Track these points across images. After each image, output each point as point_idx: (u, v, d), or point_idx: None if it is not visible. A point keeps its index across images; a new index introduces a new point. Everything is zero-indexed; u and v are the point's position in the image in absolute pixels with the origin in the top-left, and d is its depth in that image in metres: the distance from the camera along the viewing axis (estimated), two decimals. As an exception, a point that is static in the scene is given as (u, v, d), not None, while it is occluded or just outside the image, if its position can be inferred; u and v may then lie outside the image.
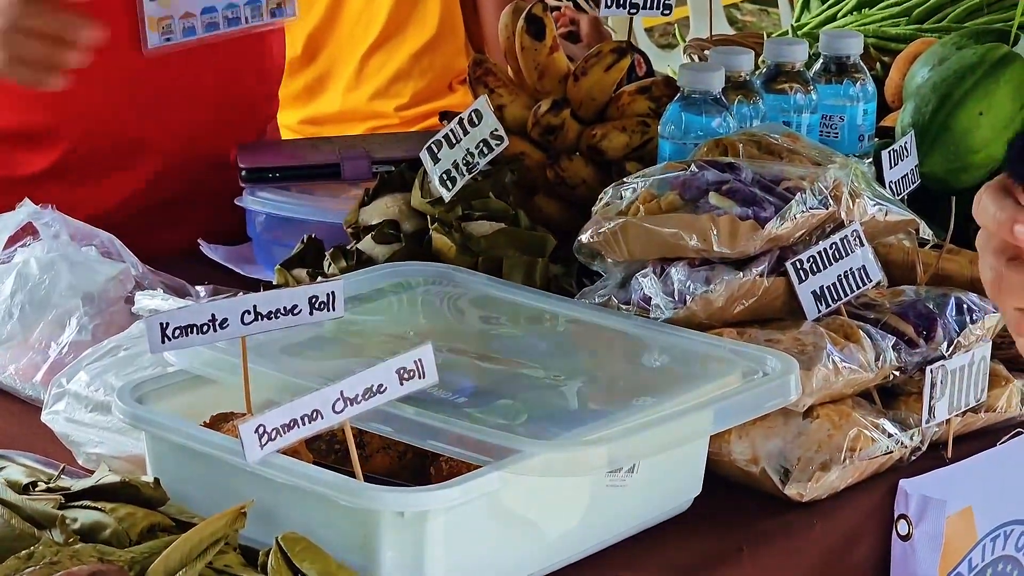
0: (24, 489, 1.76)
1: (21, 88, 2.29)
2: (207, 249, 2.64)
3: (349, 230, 2.47)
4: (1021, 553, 2.21)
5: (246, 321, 1.78)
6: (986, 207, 1.56)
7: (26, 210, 2.32)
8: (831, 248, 2.10)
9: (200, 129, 2.66)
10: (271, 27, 2.71)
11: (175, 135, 2.52)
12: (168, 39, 2.52)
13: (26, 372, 2.18)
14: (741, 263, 2.10)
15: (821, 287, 2.09)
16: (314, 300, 1.83)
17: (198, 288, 2.36)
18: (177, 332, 1.78)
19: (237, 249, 2.64)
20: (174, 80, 2.59)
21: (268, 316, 1.79)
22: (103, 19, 2.42)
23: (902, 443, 2.07)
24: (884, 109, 2.87)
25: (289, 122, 4.48)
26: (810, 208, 2.11)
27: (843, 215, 2.15)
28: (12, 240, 2.31)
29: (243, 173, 2.64)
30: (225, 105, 2.73)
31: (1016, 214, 1.48)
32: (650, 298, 2.09)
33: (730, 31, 6.74)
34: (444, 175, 2.35)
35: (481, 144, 2.35)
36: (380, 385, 1.72)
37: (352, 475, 1.72)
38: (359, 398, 1.71)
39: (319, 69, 4.45)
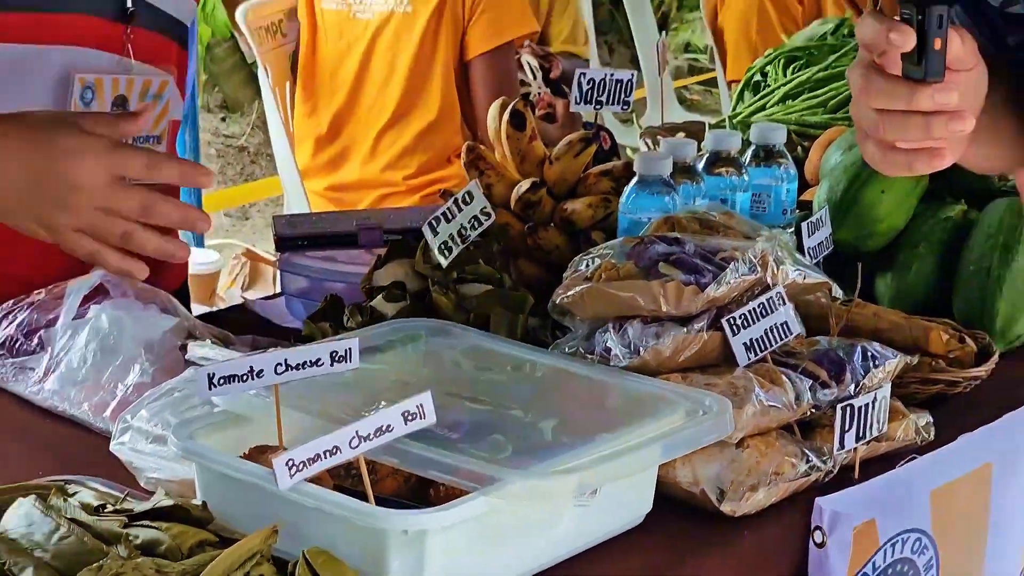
0: (95, 510, 1.76)
1: None
2: (251, 304, 2.65)
3: (364, 290, 2.47)
4: (915, 555, 2.21)
5: (278, 371, 1.78)
6: (868, 23, 1.62)
7: (98, 274, 2.32)
8: (759, 307, 2.12)
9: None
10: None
11: None
12: None
13: (98, 408, 2.18)
14: (685, 320, 2.11)
15: (751, 339, 2.10)
16: (334, 354, 1.83)
17: (241, 339, 2.36)
18: (222, 380, 1.78)
19: (274, 303, 2.66)
20: None
21: (296, 367, 1.79)
22: None
23: (818, 467, 2.08)
24: (804, 186, 2.87)
25: (316, 189, 4.49)
26: (742, 275, 2.13)
27: (769, 280, 2.16)
28: (87, 299, 2.30)
29: (278, 241, 2.65)
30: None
31: (891, 26, 1.59)
32: (610, 349, 2.10)
33: (680, 109, 6.76)
34: (442, 245, 2.36)
35: (473, 219, 2.36)
36: (388, 425, 1.72)
37: (365, 498, 1.73)
38: (371, 436, 1.71)
39: (341, 145, 4.46)
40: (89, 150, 2.13)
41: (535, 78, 4.73)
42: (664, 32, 6.99)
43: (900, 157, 1.68)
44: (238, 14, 4.96)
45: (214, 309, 2.79)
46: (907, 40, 1.59)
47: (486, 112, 3.88)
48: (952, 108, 1.63)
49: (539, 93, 4.67)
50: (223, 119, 7.56)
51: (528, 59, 4.72)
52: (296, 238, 2.63)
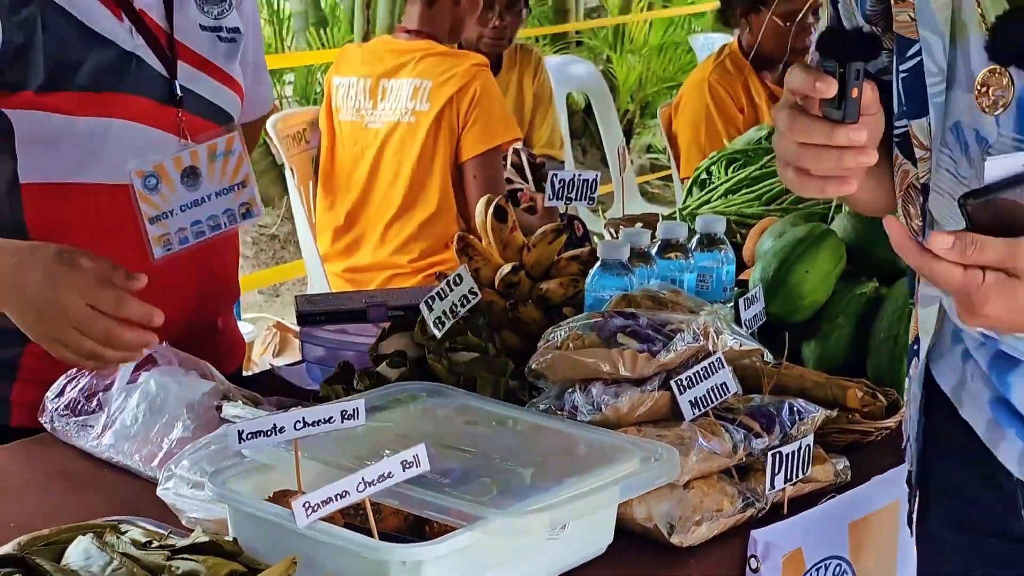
0: (143, 546, 1.77)
1: None
2: (277, 370, 2.65)
3: (371, 357, 2.47)
4: None
5: (297, 428, 1.79)
6: (797, 73, 1.64)
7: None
8: (702, 370, 2.11)
9: (193, 303, 2.59)
10: (233, 231, 2.64)
11: (178, 312, 2.42)
12: (168, 249, 2.44)
13: (147, 459, 2.18)
14: (639, 382, 2.12)
15: (695, 397, 2.10)
16: (344, 412, 1.84)
17: (268, 399, 2.35)
18: (249, 436, 1.79)
19: (296, 369, 2.66)
20: (174, 276, 2.50)
21: (312, 424, 1.80)
22: (117, 239, 2.44)
23: (752, 505, 2.08)
24: (742, 267, 2.87)
25: (335, 271, 4.50)
26: (687, 343, 2.13)
27: (710, 347, 2.16)
28: (138, 367, 2.30)
29: (300, 317, 2.66)
30: (207, 288, 2.65)
31: (817, 77, 1.61)
32: (577, 407, 2.11)
33: (642, 200, 6.76)
34: (437, 320, 2.36)
35: (462, 298, 2.37)
36: (389, 472, 1.74)
37: (371, 534, 1.73)
38: (375, 481, 1.73)
39: (355, 234, 4.46)
40: (72, 286, 2.12)
41: (522, 177, 4.75)
42: (624, 139, 6.99)
43: (815, 183, 1.69)
44: (269, 123, 4.98)
45: (248, 374, 2.77)
46: (830, 89, 1.61)
47: (482, 210, 3.93)
48: (861, 145, 1.65)
49: (523, 189, 4.69)
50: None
51: (517, 160, 4.74)
52: (314, 314, 2.64)
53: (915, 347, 1.97)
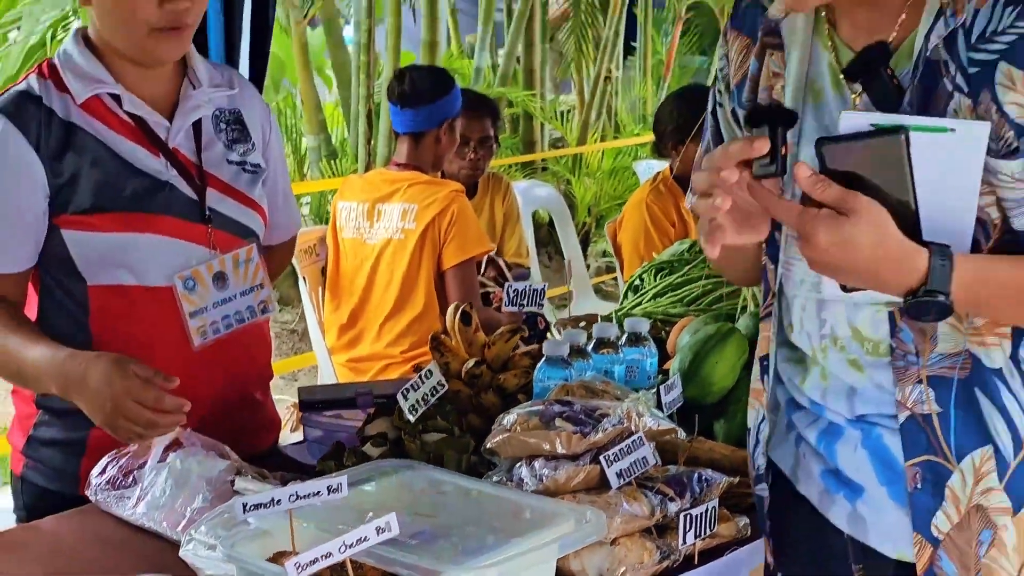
0: (165, 599, 1.79)
1: None
2: (284, 449, 2.65)
3: (359, 438, 2.48)
4: None
5: (291, 500, 1.79)
6: (733, 143, 1.63)
7: (175, 432, 2.33)
8: (626, 447, 2.10)
9: (228, 382, 2.58)
10: (262, 321, 2.65)
11: (217, 390, 2.46)
12: (205, 339, 2.48)
13: (173, 525, 2.18)
14: (574, 458, 2.11)
15: (620, 469, 2.08)
16: (329, 487, 1.83)
17: (274, 474, 2.34)
18: (252, 507, 1.80)
19: (300, 447, 2.65)
20: (211, 360, 2.50)
21: (304, 496, 1.81)
22: (164, 330, 2.47)
23: (669, 557, 2.08)
24: (665, 358, 2.89)
25: (340, 361, 4.50)
26: (613, 425, 2.13)
27: (633, 428, 2.16)
28: (167, 448, 2.31)
29: (301, 405, 2.67)
30: (240, 371, 2.63)
31: (753, 139, 1.59)
32: (523, 479, 2.11)
33: (596, 298, 6.76)
34: (411, 407, 2.36)
35: (432, 389, 2.37)
36: (366, 536, 1.73)
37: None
38: (354, 544, 1.72)
39: (356, 331, 4.45)
40: (124, 388, 2.15)
41: (494, 282, 4.77)
42: (580, 249, 7.00)
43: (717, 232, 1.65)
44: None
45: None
46: (765, 145, 1.58)
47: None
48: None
49: (494, 292, 4.70)
50: (280, 310, 7.58)
51: (491, 268, 4.76)
52: (314, 403, 2.65)
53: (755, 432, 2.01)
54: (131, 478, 2.31)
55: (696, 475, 2.18)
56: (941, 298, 1.54)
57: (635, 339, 2.66)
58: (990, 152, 1.56)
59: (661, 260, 3.54)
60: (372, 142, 7.27)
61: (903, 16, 1.66)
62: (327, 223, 4.74)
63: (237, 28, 4.03)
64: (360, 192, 4.48)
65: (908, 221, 1.56)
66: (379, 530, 1.77)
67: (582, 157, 9.82)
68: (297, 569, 1.69)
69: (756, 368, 2.01)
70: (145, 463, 2.31)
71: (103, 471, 2.34)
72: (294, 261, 4.95)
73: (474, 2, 9.45)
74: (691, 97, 5.14)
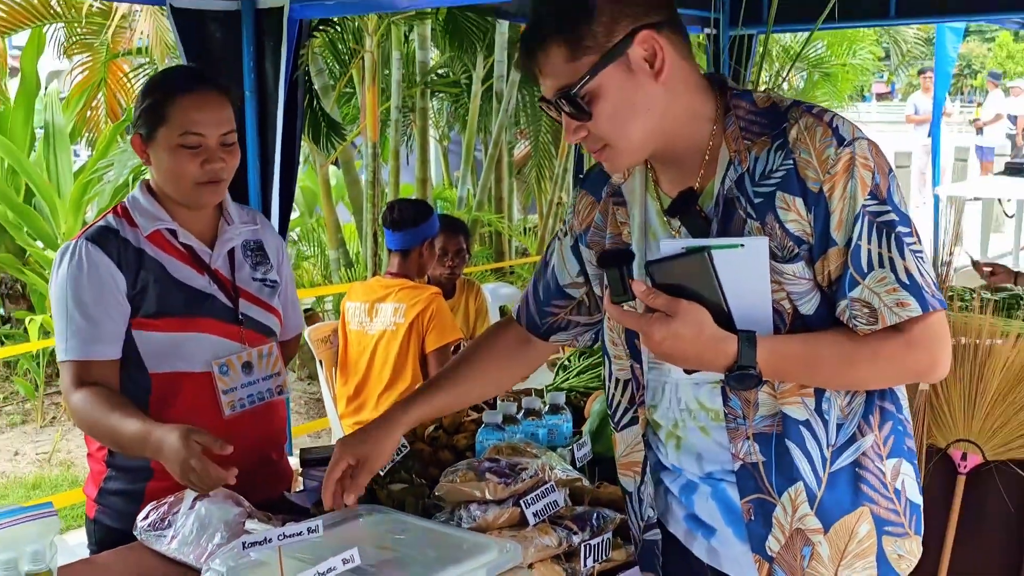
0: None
1: None
2: (289, 496, 2.63)
3: None
4: None
5: (280, 539, 1.81)
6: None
7: None
8: (540, 493, 2.11)
9: (250, 444, 2.54)
10: (278, 400, 2.66)
11: (244, 450, 2.40)
12: (234, 411, 2.50)
13: (198, 557, 2.17)
14: (500, 502, 2.10)
15: (536, 511, 2.08)
16: (309, 528, 1.85)
17: (275, 517, 2.33)
18: (251, 544, 1.82)
19: (301, 495, 2.61)
20: (238, 427, 2.49)
21: (289, 536, 1.82)
22: (204, 403, 2.49)
23: (576, 574, 2.08)
24: (582, 421, 2.89)
25: (347, 425, 4.47)
26: (530, 476, 2.13)
27: (546, 478, 2.16)
28: (196, 499, 2.29)
29: (302, 462, 2.66)
30: (260, 436, 2.63)
31: (647, 289, 1.62)
32: (462, 518, 2.10)
33: (548, 371, 6.71)
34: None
35: (398, 450, 2.37)
36: (334, 567, 1.76)
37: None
38: (325, 573, 1.75)
39: (360, 401, 4.45)
40: (190, 453, 2.16)
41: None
42: None
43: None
44: (306, 332, 5.03)
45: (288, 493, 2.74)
46: (637, 290, 1.64)
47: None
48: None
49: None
50: (309, 383, 7.57)
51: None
52: (311, 460, 2.62)
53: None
54: (167, 521, 2.30)
55: (595, 513, 2.17)
56: (751, 371, 1.60)
57: (555, 408, 2.66)
58: (776, 259, 1.62)
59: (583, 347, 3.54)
60: (378, 255, 7.32)
61: (702, 170, 1.71)
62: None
63: (270, 175, 4.11)
64: (362, 295, 4.51)
65: (723, 316, 1.62)
66: (344, 561, 1.79)
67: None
68: (281, 593, 1.71)
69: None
70: (178, 510, 2.30)
71: (146, 516, 2.33)
72: (311, 346, 4.98)
73: (459, 146, 9.55)
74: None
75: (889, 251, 1.58)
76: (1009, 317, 4.62)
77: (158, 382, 2.47)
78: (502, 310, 7.15)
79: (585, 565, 2.09)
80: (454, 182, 10.39)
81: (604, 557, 2.12)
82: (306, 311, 7.78)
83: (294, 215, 8.85)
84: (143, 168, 2.45)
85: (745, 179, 1.65)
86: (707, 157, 1.70)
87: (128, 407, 2.36)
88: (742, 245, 1.58)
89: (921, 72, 14.58)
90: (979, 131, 15.22)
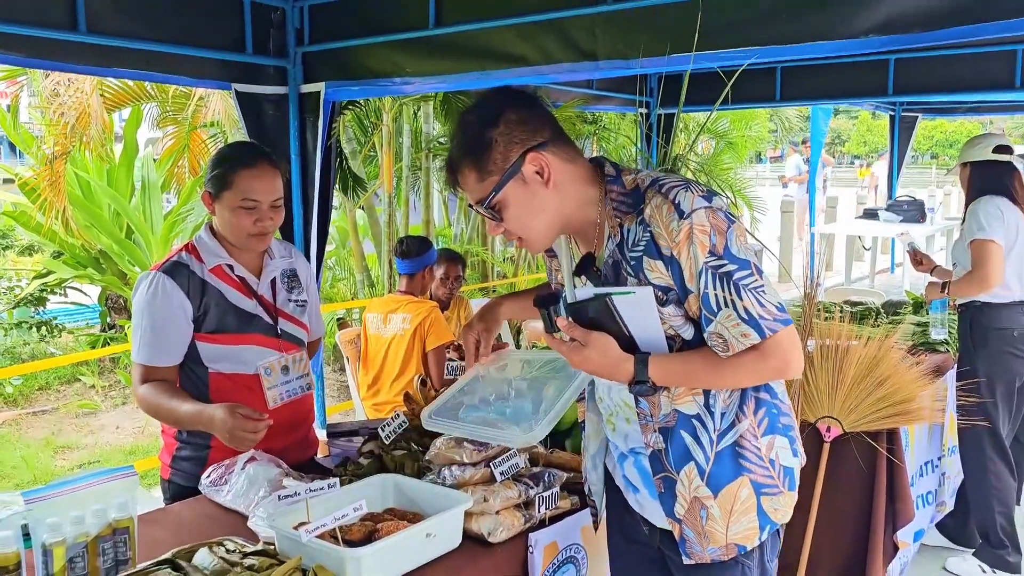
0: (229, 551, 1.77)
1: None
2: (318, 459, 2.61)
3: (359, 453, 2.45)
4: (576, 554, 2.16)
5: (307, 493, 1.81)
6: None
7: (251, 452, 2.31)
8: (505, 458, 2.09)
9: (287, 425, 2.50)
10: (308, 393, 2.61)
11: (284, 429, 2.39)
12: (276, 403, 2.45)
13: (247, 507, 2.15)
14: (475, 465, 2.08)
15: (502, 471, 2.07)
16: (328, 484, 1.86)
17: (309, 475, 2.30)
18: (285, 497, 1.81)
19: (327, 459, 2.60)
20: (279, 414, 2.44)
21: (315, 491, 1.82)
22: (252, 397, 2.44)
23: (531, 520, 2.06)
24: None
25: (367, 405, 4.44)
26: (497, 444, 2.09)
27: (514, 448, 2.14)
28: (247, 461, 2.28)
29: (327, 433, 2.65)
30: (295, 420, 2.57)
31: (566, 324, 1.64)
32: (446, 478, 2.08)
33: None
34: (387, 436, 2.36)
35: (399, 424, 2.37)
36: (345, 514, 1.74)
37: (338, 542, 1.74)
38: (340, 517, 1.74)
39: (377, 387, 4.41)
40: (235, 422, 2.15)
41: (458, 356, 4.75)
42: (512, 342, 6.93)
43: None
44: (338, 336, 5.01)
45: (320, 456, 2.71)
46: (560, 324, 1.66)
47: (435, 375, 3.95)
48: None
49: (457, 362, 4.68)
50: (339, 374, 7.49)
51: (456, 351, 4.74)
52: (336, 432, 2.62)
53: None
54: (224, 479, 2.28)
55: (547, 473, 2.17)
56: (646, 383, 1.63)
57: (519, 393, 2.62)
58: (658, 302, 1.62)
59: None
60: (392, 277, 7.30)
61: (596, 239, 1.72)
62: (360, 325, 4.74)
63: (310, 219, 4.10)
64: (379, 307, 4.48)
65: (629, 343, 1.65)
66: (355, 508, 1.78)
67: (515, 284, 9.85)
68: (308, 532, 1.70)
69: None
70: (233, 471, 2.29)
71: (209, 475, 2.32)
72: (341, 347, 4.96)
73: (455, 197, 9.54)
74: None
75: (730, 295, 1.57)
76: (862, 324, 4.65)
77: (215, 380, 2.45)
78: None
79: (539, 511, 2.08)
80: (452, 223, 10.37)
81: (553, 505, 2.11)
82: (339, 319, 7.74)
83: (330, 247, 8.81)
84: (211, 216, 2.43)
85: (623, 246, 1.65)
86: (598, 231, 1.71)
87: (183, 394, 2.34)
88: (633, 292, 1.60)
89: (803, 142, 14.49)
90: (784, 185, 14.65)
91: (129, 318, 8.11)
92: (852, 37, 2.42)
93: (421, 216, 8.27)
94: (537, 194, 1.63)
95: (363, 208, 8.56)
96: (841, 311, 5.16)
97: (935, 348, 4.35)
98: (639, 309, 1.60)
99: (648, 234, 1.61)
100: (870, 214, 11.72)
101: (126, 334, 7.38)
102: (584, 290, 1.65)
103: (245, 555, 1.73)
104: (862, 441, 3.57)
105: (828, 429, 3.49)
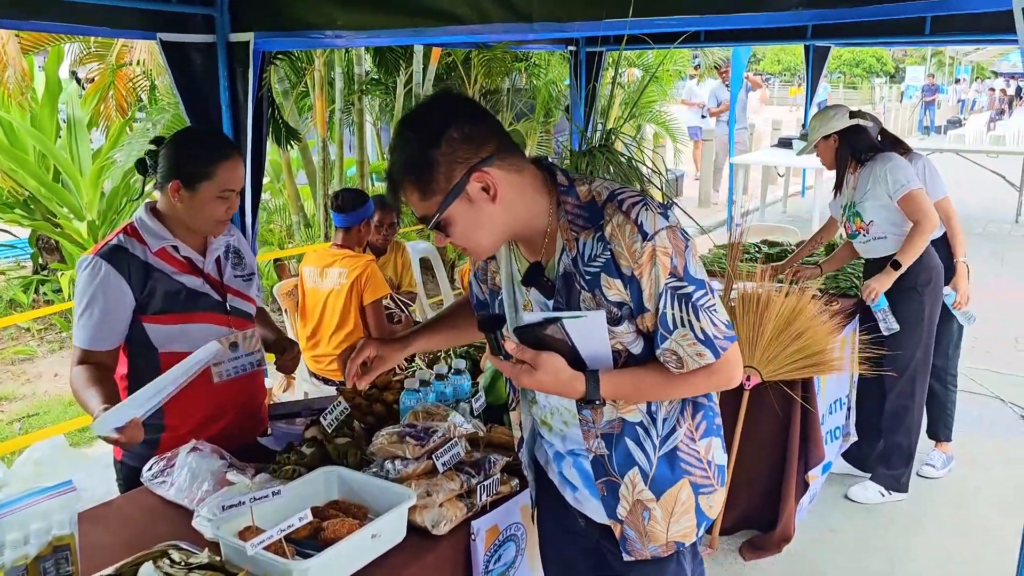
0: (174, 563, 1.71)
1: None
2: (262, 440, 2.55)
3: (301, 438, 2.39)
4: (517, 534, 2.18)
5: (251, 501, 1.75)
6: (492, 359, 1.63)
7: (193, 443, 2.24)
8: (448, 447, 2.06)
9: (236, 402, 2.47)
10: (258, 370, 2.57)
11: (231, 401, 2.35)
12: (220, 378, 2.42)
13: (190, 501, 2.10)
14: (418, 459, 2.05)
15: (443, 461, 2.04)
16: (273, 492, 1.79)
17: (251, 464, 2.24)
18: (229, 506, 1.74)
19: (269, 439, 2.53)
20: (225, 391, 2.42)
21: (260, 499, 1.75)
22: (204, 373, 2.38)
23: (472, 508, 2.04)
24: (479, 372, 2.82)
25: (307, 357, 4.37)
26: (440, 436, 2.09)
27: (453, 435, 2.11)
28: (189, 453, 2.22)
29: (269, 416, 2.58)
30: (242, 398, 2.53)
31: (513, 345, 1.58)
32: (389, 471, 2.03)
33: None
34: (328, 424, 2.30)
35: (341, 411, 2.32)
36: (292, 524, 1.69)
37: (284, 555, 1.69)
38: (285, 529, 1.69)
39: (316, 339, 4.33)
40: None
41: (395, 305, 4.69)
42: (449, 284, 6.88)
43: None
44: (275, 288, 4.88)
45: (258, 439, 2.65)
46: (508, 348, 1.60)
47: (374, 327, 3.87)
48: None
49: (395, 312, 4.62)
50: (276, 315, 7.34)
51: (392, 301, 4.67)
52: (278, 415, 2.55)
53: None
54: (166, 472, 2.22)
55: (487, 459, 2.14)
56: (597, 398, 1.59)
57: (457, 371, 2.58)
58: (612, 317, 1.57)
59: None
60: (328, 219, 7.11)
61: (543, 249, 1.64)
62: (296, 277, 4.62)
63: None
64: (315, 261, 4.36)
65: (579, 362, 1.60)
66: (300, 519, 1.73)
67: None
68: (252, 546, 1.64)
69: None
70: (175, 463, 2.22)
71: (150, 468, 2.25)
72: (278, 298, 4.83)
73: (388, 132, 9.27)
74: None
75: (687, 315, 1.54)
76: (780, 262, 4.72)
77: (166, 361, 2.35)
78: (422, 261, 7.05)
79: (480, 499, 2.07)
80: (386, 158, 10.11)
81: (495, 492, 2.10)
82: (276, 261, 7.53)
83: (265, 180, 8.49)
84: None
85: (578, 260, 1.58)
86: (547, 240, 1.63)
87: (106, 384, 2.24)
88: (585, 315, 1.55)
89: (718, 68, 14.14)
90: (703, 116, 14.15)
91: (60, 260, 7.82)
92: (783, 9, 2.37)
93: (356, 154, 8.02)
94: (484, 210, 1.54)
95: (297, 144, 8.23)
96: (759, 252, 5.23)
97: (846, 293, 4.46)
98: (590, 331, 1.55)
99: (608, 252, 1.54)
100: (784, 143, 11.83)
101: (58, 279, 7.05)
102: (532, 315, 1.59)
103: (191, 569, 1.66)
104: (778, 389, 3.65)
105: (748, 378, 3.56)
